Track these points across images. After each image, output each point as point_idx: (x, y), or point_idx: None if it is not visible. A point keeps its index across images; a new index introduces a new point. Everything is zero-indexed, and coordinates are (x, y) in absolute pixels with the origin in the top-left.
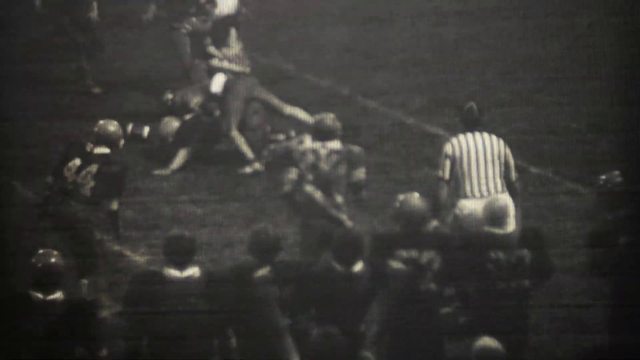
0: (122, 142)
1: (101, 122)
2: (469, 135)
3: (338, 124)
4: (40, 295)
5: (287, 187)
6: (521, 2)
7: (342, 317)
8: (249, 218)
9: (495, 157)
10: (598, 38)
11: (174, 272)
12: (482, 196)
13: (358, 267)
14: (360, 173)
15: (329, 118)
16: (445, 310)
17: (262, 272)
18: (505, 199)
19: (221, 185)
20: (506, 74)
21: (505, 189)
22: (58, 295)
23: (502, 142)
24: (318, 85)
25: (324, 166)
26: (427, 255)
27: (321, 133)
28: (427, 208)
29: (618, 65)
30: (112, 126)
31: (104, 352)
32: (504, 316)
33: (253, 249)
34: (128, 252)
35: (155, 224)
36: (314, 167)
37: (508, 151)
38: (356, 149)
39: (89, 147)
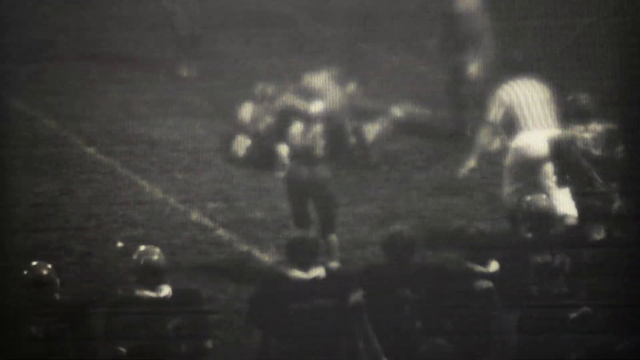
0: (330, 92)
1: (308, 76)
2: (518, 81)
3: (592, 103)
4: (149, 293)
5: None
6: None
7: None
8: (379, 219)
9: (544, 99)
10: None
11: (299, 273)
12: (541, 126)
13: (494, 267)
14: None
15: (583, 98)
16: (573, 315)
17: (356, 296)
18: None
19: (350, 186)
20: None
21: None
22: (167, 291)
23: (546, 87)
24: None
25: (595, 151)
26: (559, 258)
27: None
28: (555, 208)
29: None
30: (319, 80)
31: (209, 344)
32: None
33: (387, 251)
34: (257, 253)
35: (285, 224)
36: (586, 154)
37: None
38: (611, 125)
39: (303, 107)
